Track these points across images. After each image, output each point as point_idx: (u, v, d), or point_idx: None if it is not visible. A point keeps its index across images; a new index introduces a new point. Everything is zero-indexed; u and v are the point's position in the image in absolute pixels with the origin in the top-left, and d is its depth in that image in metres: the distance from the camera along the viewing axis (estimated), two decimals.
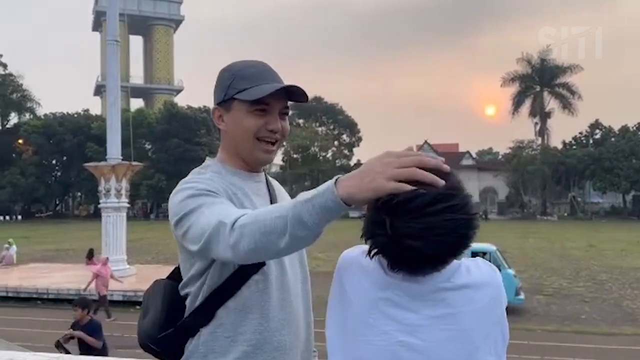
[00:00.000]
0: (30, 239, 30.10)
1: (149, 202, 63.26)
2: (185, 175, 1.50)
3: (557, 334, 11.82)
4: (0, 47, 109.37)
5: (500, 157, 68.28)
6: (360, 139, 66.98)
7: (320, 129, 64.42)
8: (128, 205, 17.70)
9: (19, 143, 57.04)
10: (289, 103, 1.54)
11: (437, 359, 1.07)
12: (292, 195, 1.34)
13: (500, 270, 5.94)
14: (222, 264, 1.38)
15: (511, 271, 13.71)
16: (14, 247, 18.76)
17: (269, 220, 1.11)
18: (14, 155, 57.41)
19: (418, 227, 1.00)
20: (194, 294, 1.44)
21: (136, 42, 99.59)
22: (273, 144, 1.52)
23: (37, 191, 55.37)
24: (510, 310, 13.01)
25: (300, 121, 63.86)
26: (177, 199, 1.38)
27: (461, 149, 66.26)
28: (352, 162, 66.84)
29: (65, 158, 58.36)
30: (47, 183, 57.89)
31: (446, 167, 1.05)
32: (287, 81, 1.51)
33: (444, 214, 1.01)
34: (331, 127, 65.68)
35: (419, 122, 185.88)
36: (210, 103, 1.58)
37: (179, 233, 1.35)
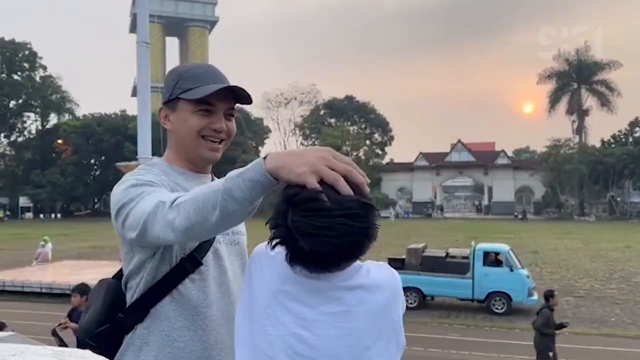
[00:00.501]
0: (68, 236, 31.02)
1: None
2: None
3: (585, 336, 11.51)
4: (40, 49, 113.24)
5: (537, 156, 66.78)
6: (392, 138, 66.60)
7: (351, 128, 64.31)
8: None
9: (59, 143, 58.84)
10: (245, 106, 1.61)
11: (326, 354, 1.10)
12: None
13: (512, 270, 5.86)
14: (159, 260, 1.40)
15: (524, 272, 13.42)
16: (50, 244, 19.37)
17: (202, 195, 1.14)
18: (53, 155, 59.28)
19: (313, 224, 1.03)
20: (132, 290, 1.45)
21: (172, 44, 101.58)
22: (219, 143, 1.54)
23: (76, 190, 57.00)
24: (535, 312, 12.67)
25: (332, 120, 63.93)
26: (119, 189, 1.39)
27: (497, 148, 65.05)
28: (385, 161, 66.58)
29: (103, 158, 59.86)
30: (85, 182, 59.54)
31: (367, 189, 1.09)
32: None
33: (339, 217, 1.03)
34: (363, 126, 65.49)
35: (454, 121, 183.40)
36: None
37: (118, 223, 1.34)
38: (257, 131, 65.14)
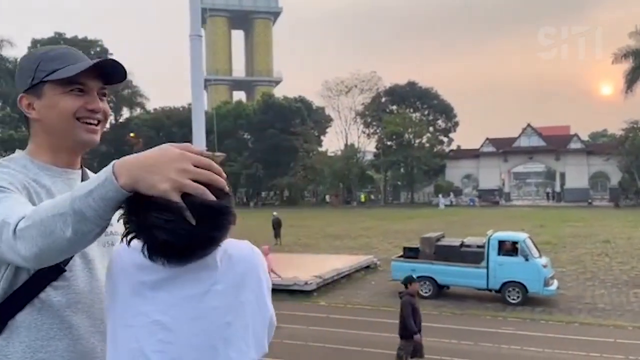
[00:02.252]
0: None
1: (249, 191, 65.78)
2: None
3: None
4: (110, 45, 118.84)
5: (614, 139, 63.07)
6: (456, 124, 64.82)
7: (414, 114, 63.15)
8: None
9: (131, 136, 61.55)
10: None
11: (184, 336, 1.12)
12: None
13: (527, 259, 5.58)
14: (16, 267, 1.28)
15: (541, 261, 12.88)
16: None
17: (48, 220, 1.04)
18: (126, 147, 62.08)
19: (163, 218, 1.04)
20: None
21: (238, 37, 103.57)
22: (97, 124, 1.43)
23: None
24: (596, 309, 12.04)
25: (394, 107, 63.03)
26: None
27: (572, 132, 61.90)
28: (450, 147, 65.01)
29: None
30: None
31: (226, 189, 1.12)
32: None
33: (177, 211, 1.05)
34: (425, 112, 64.16)
35: (524, 105, 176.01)
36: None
37: None
38: (319, 120, 65.34)
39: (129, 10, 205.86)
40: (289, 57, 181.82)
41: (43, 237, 1.04)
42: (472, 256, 13.30)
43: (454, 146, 65.84)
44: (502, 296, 12.89)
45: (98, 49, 62.17)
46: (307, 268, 15.75)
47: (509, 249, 12.85)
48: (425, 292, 13.12)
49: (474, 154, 60.95)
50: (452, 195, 56.20)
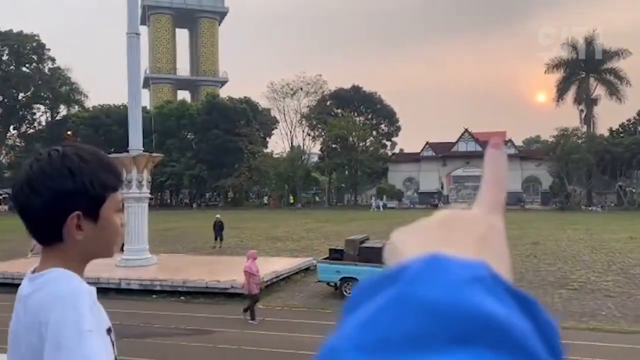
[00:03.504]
0: None
1: (192, 192, 64.69)
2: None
3: (572, 331, 11.33)
4: (48, 40, 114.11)
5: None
6: (399, 129, 66.35)
7: (358, 118, 64.05)
8: (150, 195, 18.10)
9: (68, 135, 59.27)
10: None
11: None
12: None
13: None
14: None
15: None
16: None
17: None
18: None
19: None
20: None
21: (183, 36, 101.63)
22: None
23: None
24: None
25: (338, 111, 63.69)
26: None
27: (507, 137, 64.44)
28: (393, 151, 66.38)
29: (113, 149, 60.36)
30: None
31: None
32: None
33: None
34: (369, 116, 65.25)
35: (463, 111, 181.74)
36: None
37: None
38: (265, 122, 65.15)
39: (67, 3, 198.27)
40: (235, 58, 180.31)
41: None
42: None
43: (396, 150, 67.31)
44: None
45: (34, 43, 59.53)
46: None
47: None
48: (350, 293, 13.40)
49: (414, 158, 62.43)
50: (384, 198, 57.24)
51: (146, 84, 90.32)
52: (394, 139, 67.51)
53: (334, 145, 61.27)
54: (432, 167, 61.39)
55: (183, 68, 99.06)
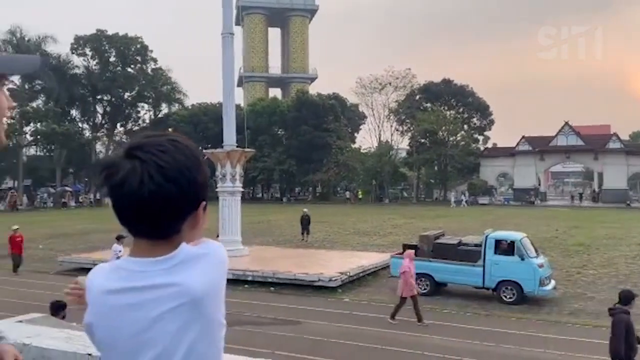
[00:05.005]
0: None
1: (282, 186, 66.34)
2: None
3: None
4: (150, 42, 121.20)
5: None
6: (492, 122, 63.91)
7: (448, 112, 62.45)
8: (242, 189, 18.80)
9: (169, 132, 62.85)
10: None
11: None
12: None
13: (523, 259, 5.79)
14: None
15: (536, 260, 12.92)
16: None
17: None
18: None
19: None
20: None
21: (275, 34, 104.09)
22: None
23: None
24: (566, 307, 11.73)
25: (428, 105, 62.46)
26: None
27: (612, 131, 60.14)
28: (485, 145, 64.11)
29: (209, 145, 63.29)
30: None
31: None
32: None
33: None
34: (460, 110, 63.40)
35: (562, 104, 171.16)
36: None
37: None
38: (353, 117, 65.35)
39: (167, 7, 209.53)
40: (324, 54, 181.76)
41: None
42: (469, 254, 13.53)
43: (489, 144, 64.93)
44: (498, 295, 13.05)
45: (138, 45, 63.59)
46: (333, 265, 15.89)
47: (505, 248, 13.01)
48: (424, 289, 13.41)
49: (509, 153, 59.86)
50: (466, 194, 55.23)
51: (240, 83, 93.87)
52: (486, 133, 65.11)
53: (422, 140, 60.22)
54: (528, 162, 58.53)
55: (274, 66, 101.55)
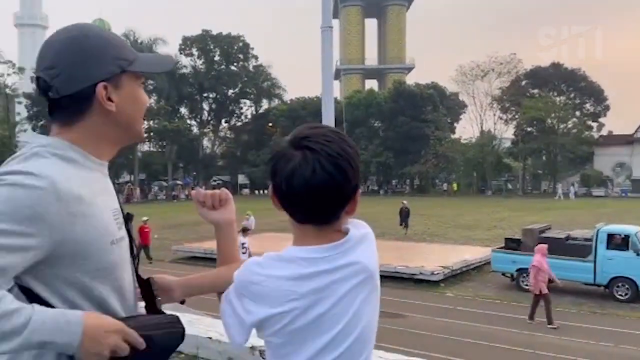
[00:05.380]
0: (275, 210, 34.12)
1: (379, 178, 66.08)
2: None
3: None
4: (251, 40, 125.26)
5: None
6: (607, 108, 59.13)
7: (558, 98, 58.69)
8: None
9: (269, 126, 64.84)
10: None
11: None
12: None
13: (639, 254, 5.39)
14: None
15: None
16: (252, 218, 21.61)
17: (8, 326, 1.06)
18: (265, 136, 65.57)
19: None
20: None
21: (371, 25, 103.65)
22: None
23: None
24: None
25: (535, 91, 59.09)
26: None
27: None
28: (600, 133, 59.59)
29: None
30: None
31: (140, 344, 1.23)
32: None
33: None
34: (571, 95, 59.31)
35: None
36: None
37: None
38: (452, 107, 63.46)
39: (266, 5, 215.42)
40: (422, 43, 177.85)
41: None
42: (579, 249, 12.85)
43: (604, 132, 60.23)
44: (610, 292, 12.29)
45: (241, 44, 66.09)
46: (434, 258, 15.57)
47: (618, 243, 12.22)
48: (527, 285, 12.77)
49: (627, 140, 55.20)
50: (575, 185, 51.50)
51: (337, 76, 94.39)
52: (601, 119, 60.39)
53: (529, 129, 57.13)
54: None
55: (371, 57, 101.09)
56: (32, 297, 1.16)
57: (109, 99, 1.27)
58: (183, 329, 1.34)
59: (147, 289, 1.41)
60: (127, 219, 1.38)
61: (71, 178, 1.19)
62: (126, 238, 1.34)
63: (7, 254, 1.08)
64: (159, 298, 1.41)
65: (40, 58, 1.27)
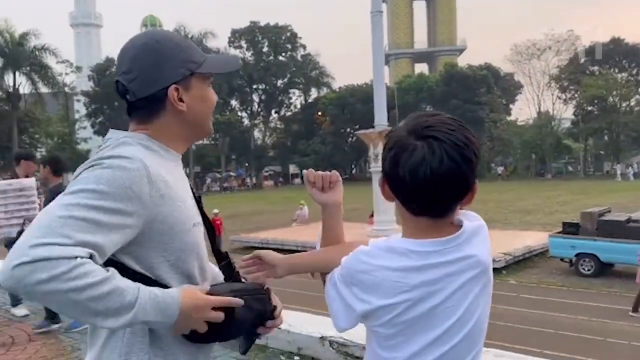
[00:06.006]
0: None
1: None
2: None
3: None
4: (298, 29, 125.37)
5: None
6: None
7: (619, 75, 55.84)
8: None
9: (318, 115, 64.87)
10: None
11: None
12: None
13: None
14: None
15: None
16: (306, 207, 21.69)
17: (105, 297, 1.10)
18: (314, 126, 65.68)
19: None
20: None
21: (420, 8, 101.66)
22: None
23: (334, 157, 62.35)
24: None
25: (595, 68, 56.42)
26: (86, 182, 1.18)
27: None
28: None
29: (357, 126, 64.17)
30: (343, 149, 64.62)
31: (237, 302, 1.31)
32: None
33: None
34: (634, 72, 56.26)
35: None
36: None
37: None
38: (507, 87, 61.54)
39: None
40: (474, 23, 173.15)
41: (76, 308, 1.10)
42: None
43: None
44: None
45: (288, 34, 66.23)
46: (495, 244, 15.00)
47: None
48: (588, 270, 12.55)
49: None
50: (635, 166, 48.95)
51: (386, 61, 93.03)
52: None
53: (590, 108, 54.67)
54: None
55: (420, 41, 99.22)
56: (125, 271, 1.21)
57: (180, 100, 1.37)
58: (268, 296, 1.45)
59: (227, 264, 1.52)
60: (200, 202, 1.48)
61: (157, 164, 1.29)
62: (202, 223, 1.44)
63: (109, 232, 1.15)
64: (238, 272, 1.51)
65: (118, 63, 1.39)
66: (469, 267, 1.18)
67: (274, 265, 1.45)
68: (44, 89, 48.36)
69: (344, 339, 4.15)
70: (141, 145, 1.32)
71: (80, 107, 58.33)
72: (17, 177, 6.10)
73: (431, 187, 1.12)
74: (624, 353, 8.10)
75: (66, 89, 54.96)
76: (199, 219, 1.41)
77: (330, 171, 1.52)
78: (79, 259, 1.07)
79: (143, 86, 1.34)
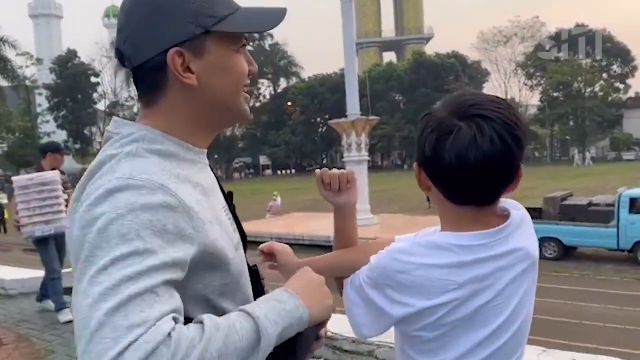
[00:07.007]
0: (300, 190, 34.11)
1: (402, 153, 65.55)
2: None
3: None
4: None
5: None
6: (635, 69, 57.42)
7: (584, 61, 57.14)
8: (368, 157, 18.66)
9: (288, 105, 64.54)
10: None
11: None
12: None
13: None
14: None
15: None
16: (279, 198, 21.57)
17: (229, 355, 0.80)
18: (284, 116, 65.33)
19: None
20: None
21: None
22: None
23: (305, 147, 62.30)
24: None
25: (560, 54, 57.56)
26: (116, 244, 0.81)
27: None
28: (628, 95, 58.01)
29: (327, 116, 64.11)
30: (313, 139, 64.58)
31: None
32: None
33: None
34: (597, 57, 57.69)
35: None
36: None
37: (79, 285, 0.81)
38: (475, 75, 62.31)
39: None
40: (440, 11, 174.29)
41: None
42: (601, 215, 12.76)
43: (632, 93, 58.64)
44: (634, 256, 12.18)
45: None
46: None
47: None
48: (550, 254, 12.77)
49: None
50: (591, 151, 50.67)
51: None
52: (628, 81, 58.78)
53: (555, 94, 55.86)
54: None
55: (387, 29, 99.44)
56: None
57: (189, 70, 0.97)
58: None
59: (255, 278, 1.18)
60: (232, 203, 1.17)
61: (182, 182, 0.93)
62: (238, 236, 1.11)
63: (174, 289, 0.84)
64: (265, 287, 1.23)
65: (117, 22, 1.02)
66: (518, 261, 1.09)
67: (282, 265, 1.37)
68: (3, 82, 46.74)
69: (332, 332, 4.06)
70: (156, 154, 0.95)
71: (42, 101, 56.64)
72: (42, 170, 5.62)
73: (482, 171, 1.01)
74: (599, 335, 8.25)
75: (27, 82, 53.16)
76: (237, 235, 1.09)
77: (338, 170, 1.36)
78: (172, 332, 0.76)
79: (136, 50, 0.97)
